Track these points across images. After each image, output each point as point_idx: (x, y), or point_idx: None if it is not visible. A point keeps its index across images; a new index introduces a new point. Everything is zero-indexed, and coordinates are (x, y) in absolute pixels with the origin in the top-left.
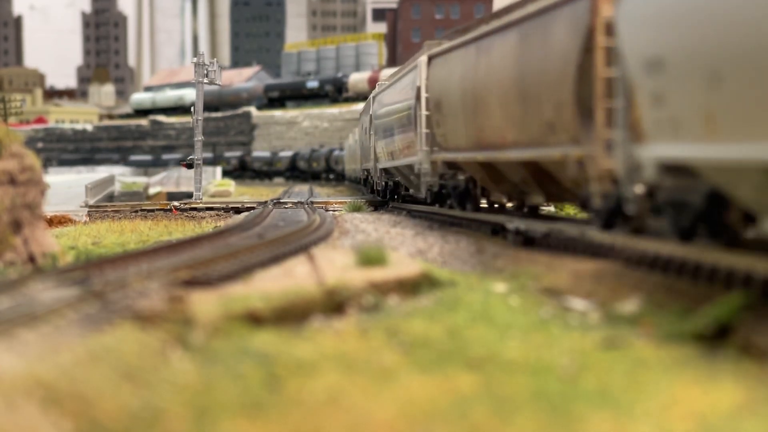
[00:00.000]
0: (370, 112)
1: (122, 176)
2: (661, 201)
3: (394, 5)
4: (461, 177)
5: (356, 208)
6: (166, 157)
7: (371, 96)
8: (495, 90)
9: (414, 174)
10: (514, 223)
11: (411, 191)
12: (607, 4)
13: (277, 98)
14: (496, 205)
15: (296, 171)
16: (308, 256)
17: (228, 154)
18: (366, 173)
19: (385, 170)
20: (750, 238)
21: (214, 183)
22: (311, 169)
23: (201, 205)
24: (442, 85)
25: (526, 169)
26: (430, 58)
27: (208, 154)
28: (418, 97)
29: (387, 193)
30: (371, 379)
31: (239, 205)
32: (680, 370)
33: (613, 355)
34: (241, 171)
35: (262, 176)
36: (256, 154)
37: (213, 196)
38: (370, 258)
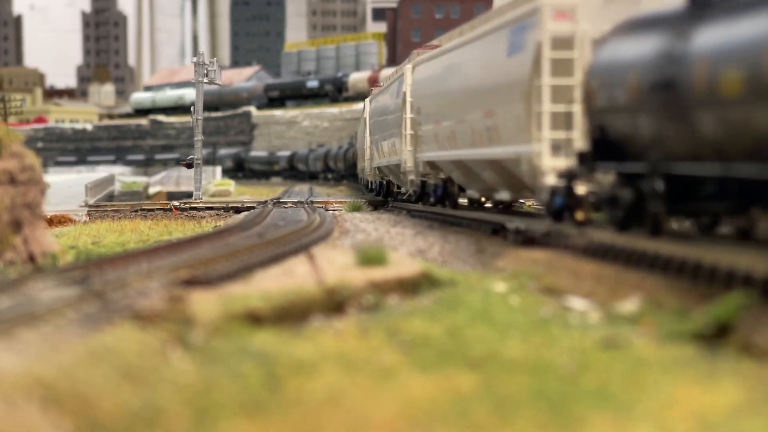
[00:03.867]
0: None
1: (122, 176)
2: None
3: (394, 5)
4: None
5: (356, 208)
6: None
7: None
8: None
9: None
10: (514, 223)
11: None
12: (408, 87)
13: (277, 98)
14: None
15: (247, 171)
16: (308, 256)
17: (160, 156)
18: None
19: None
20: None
21: (214, 183)
22: (270, 170)
23: (201, 205)
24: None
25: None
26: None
27: (139, 157)
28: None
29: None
30: (371, 379)
31: (239, 205)
32: (680, 370)
33: (613, 355)
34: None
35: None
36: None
37: (213, 195)
38: (370, 257)
